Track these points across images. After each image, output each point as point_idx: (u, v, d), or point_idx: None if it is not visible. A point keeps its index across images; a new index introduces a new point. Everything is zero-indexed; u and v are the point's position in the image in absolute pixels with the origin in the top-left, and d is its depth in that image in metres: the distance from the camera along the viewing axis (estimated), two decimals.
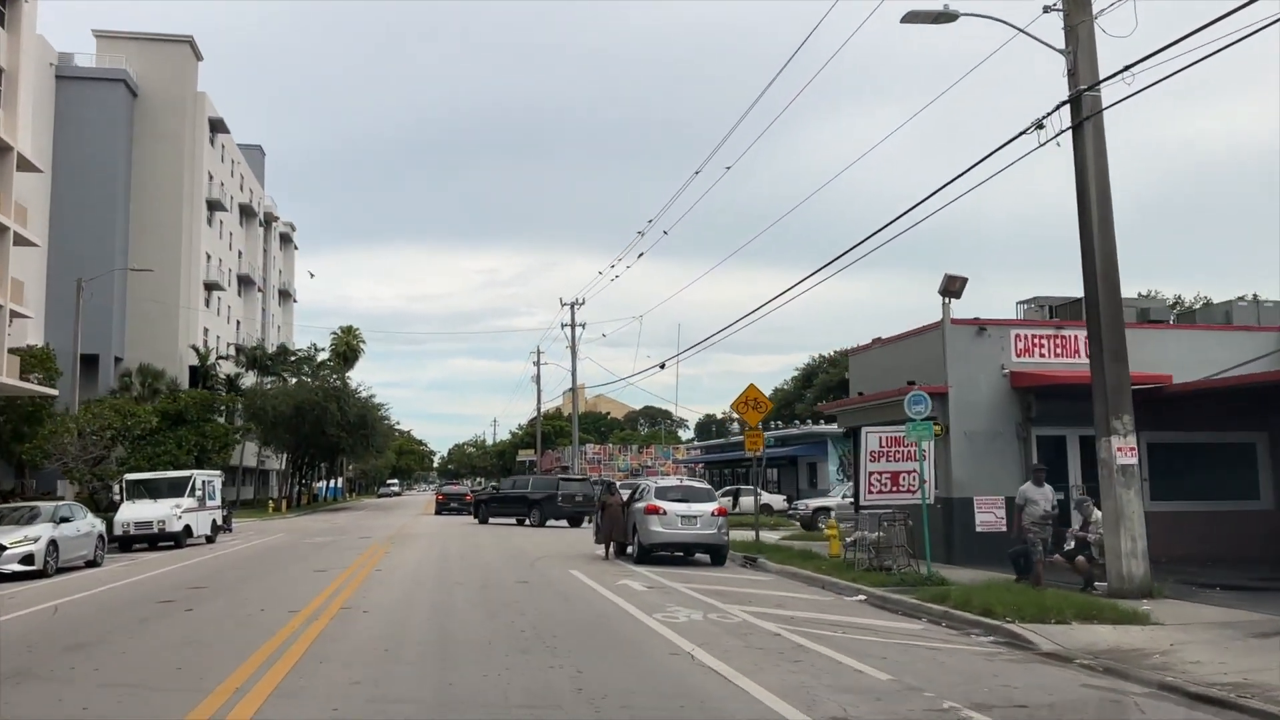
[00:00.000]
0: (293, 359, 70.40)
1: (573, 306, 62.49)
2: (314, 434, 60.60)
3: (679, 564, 19.89)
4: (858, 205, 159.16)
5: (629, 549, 21.01)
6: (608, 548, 21.45)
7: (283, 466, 69.92)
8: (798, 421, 61.81)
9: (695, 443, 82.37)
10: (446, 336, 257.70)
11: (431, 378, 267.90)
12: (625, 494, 22.70)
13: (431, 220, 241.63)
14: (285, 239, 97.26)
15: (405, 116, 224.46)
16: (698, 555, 20.35)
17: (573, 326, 62.53)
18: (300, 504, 68.84)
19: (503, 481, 53.94)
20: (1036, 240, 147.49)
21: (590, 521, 29.89)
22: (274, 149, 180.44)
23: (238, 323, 75.07)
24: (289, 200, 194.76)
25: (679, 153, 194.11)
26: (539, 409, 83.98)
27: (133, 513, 27.40)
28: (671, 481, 20.84)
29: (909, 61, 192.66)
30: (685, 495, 20.04)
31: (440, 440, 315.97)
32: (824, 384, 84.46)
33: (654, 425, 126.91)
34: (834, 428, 49.20)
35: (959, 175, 14.24)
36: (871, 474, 15.67)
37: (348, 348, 79.70)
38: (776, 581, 16.74)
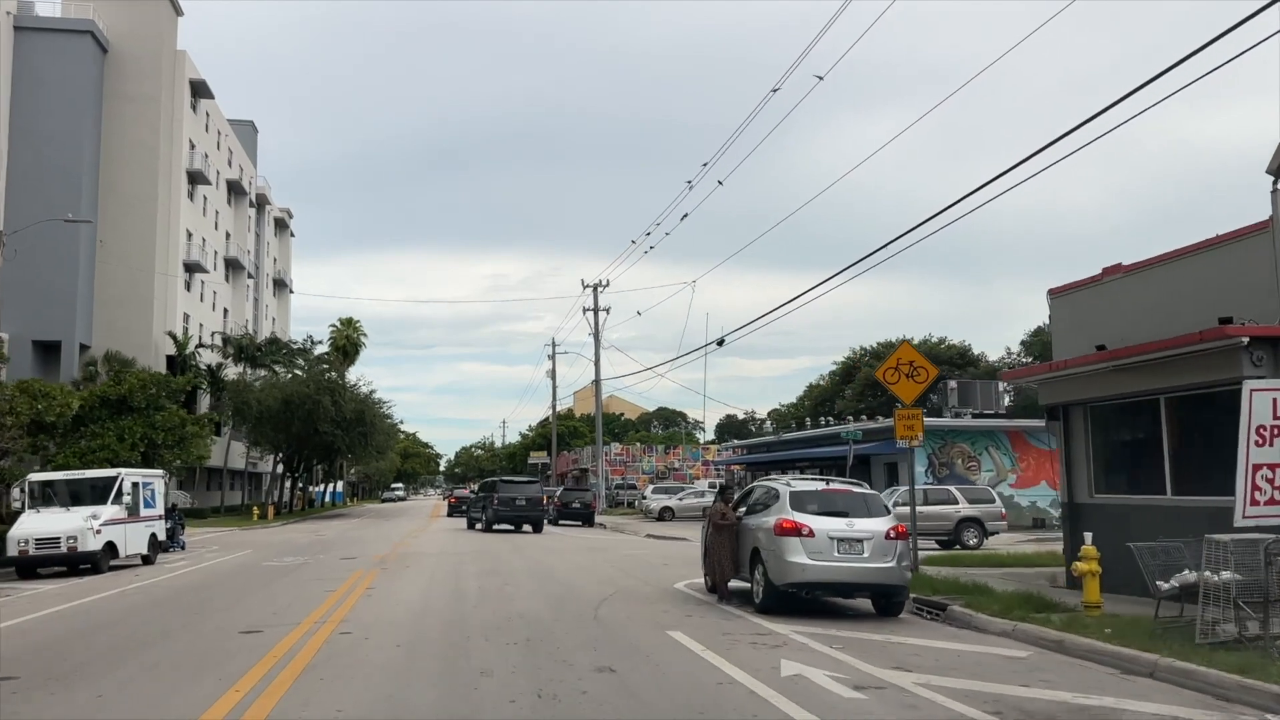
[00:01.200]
0: (285, 351, 63.32)
1: (595, 289, 55.67)
2: (305, 432, 53.70)
3: (829, 615, 12.59)
4: (873, 210, 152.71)
5: (737, 583, 13.62)
6: (713, 584, 14.14)
7: (272, 468, 62.84)
8: (849, 418, 54.67)
9: (733, 441, 74.91)
10: (455, 340, 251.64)
11: (439, 382, 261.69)
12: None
13: (437, 225, 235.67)
14: (281, 224, 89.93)
15: (407, 122, 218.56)
16: (839, 597, 13.11)
17: (595, 311, 55.60)
18: (293, 510, 61.80)
19: (478, 485, 49.07)
20: (1049, 240, 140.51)
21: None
22: (282, 153, 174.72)
23: (225, 310, 67.91)
24: (297, 203, 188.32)
25: (692, 159, 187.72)
26: (554, 405, 76.75)
27: (34, 525, 20.31)
28: (814, 485, 12.87)
29: (923, 69, 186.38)
30: (838, 505, 12.39)
31: (449, 444, 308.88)
32: (865, 379, 77.23)
33: (668, 427, 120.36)
34: None
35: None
36: (1258, 468, 8.33)
37: (348, 341, 72.95)
38: (1052, 662, 9.34)
